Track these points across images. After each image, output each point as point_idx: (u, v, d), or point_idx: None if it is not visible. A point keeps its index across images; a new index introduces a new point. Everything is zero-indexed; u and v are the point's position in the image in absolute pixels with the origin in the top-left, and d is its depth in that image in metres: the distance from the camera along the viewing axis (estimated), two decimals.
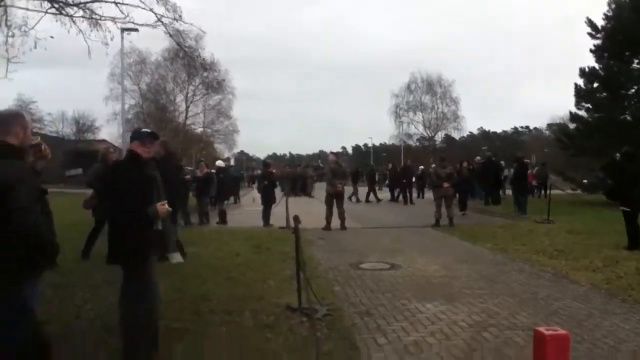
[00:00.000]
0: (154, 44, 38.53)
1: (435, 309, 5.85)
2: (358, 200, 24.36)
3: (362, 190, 25.54)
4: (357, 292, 6.65)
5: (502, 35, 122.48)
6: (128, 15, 12.56)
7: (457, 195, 17.57)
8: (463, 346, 4.68)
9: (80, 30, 12.70)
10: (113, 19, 12.70)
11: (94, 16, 12.63)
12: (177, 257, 7.92)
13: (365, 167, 27.14)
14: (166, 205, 4.21)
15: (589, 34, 22.80)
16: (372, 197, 24.95)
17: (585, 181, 22.90)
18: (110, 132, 47.43)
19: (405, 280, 7.30)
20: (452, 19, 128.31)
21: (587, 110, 23.01)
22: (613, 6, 22.10)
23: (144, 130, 4.47)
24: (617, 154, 10.34)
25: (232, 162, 43.28)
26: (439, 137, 63.86)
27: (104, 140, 41.40)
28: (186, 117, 46.41)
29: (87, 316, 5.48)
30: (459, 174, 17.93)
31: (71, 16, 12.55)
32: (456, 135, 65.74)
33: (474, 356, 4.45)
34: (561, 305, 5.95)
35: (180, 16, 12.80)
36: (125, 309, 4.14)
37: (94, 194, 8.51)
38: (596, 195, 19.73)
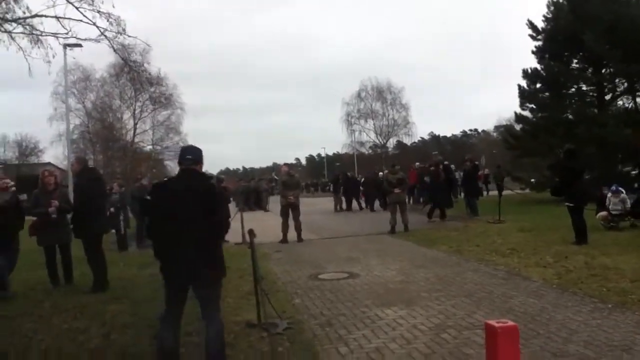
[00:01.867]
0: (99, 59, 37.81)
1: (394, 314, 5.89)
2: (342, 209, 24.11)
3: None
4: (317, 303, 6.63)
5: (449, 40, 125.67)
6: (70, 31, 12.23)
7: (433, 202, 17.10)
8: (424, 349, 4.74)
9: (21, 48, 12.29)
10: (55, 35, 12.34)
11: (34, 32, 12.25)
12: None
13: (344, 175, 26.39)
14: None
15: (530, 35, 23.54)
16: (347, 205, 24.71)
17: (533, 180, 23.60)
18: (54, 155, 46.30)
19: (363, 288, 7.33)
20: (399, 25, 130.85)
21: (532, 110, 23.67)
22: (552, 8, 22.91)
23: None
24: (561, 152, 10.75)
25: None
26: (391, 143, 64.70)
27: (48, 164, 40.12)
28: (134, 135, 45.54)
29: (39, 347, 5.27)
30: (436, 179, 16.98)
31: (10, 32, 12.14)
32: (407, 141, 66.80)
33: (434, 358, 4.50)
34: (516, 302, 6.10)
35: (124, 30, 12.55)
36: (214, 326, 4.22)
37: (35, 221, 8.22)
38: (544, 193, 20.34)
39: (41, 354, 5.08)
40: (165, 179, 5.56)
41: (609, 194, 11.75)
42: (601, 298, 6.04)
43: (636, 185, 10.82)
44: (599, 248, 9.09)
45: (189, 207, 4.10)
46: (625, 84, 22.17)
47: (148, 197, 4.85)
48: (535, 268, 7.94)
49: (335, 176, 28.02)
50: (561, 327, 5.09)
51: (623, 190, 11.72)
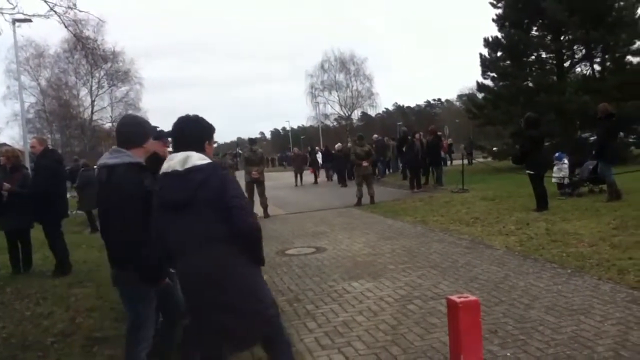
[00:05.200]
0: (52, 34, 36.66)
1: (361, 287, 5.95)
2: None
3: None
4: (285, 279, 6.64)
5: (411, 10, 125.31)
6: (17, 6, 11.66)
7: (409, 172, 17.17)
8: (390, 320, 4.80)
9: None
10: None
11: None
12: None
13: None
14: None
15: (491, 3, 23.73)
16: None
17: (495, 149, 23.98)
18: (10, 135, 44.68)
19: (331, 262, 7.37)
20: None
21: (493, 79, 23.96)
22: None
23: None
24: (522, 120, 10.89)
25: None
26: (356, 115, 64.66)
27: (4, 144, 38.89)
28: (92, 112, 44.43)
29: (1, 334, 5.15)
30: (411, 150, 16.76)
31: None
32: (372, 112, 66.87)
33: (401, 329, 4.56)
34: (479, 271, 6.22)
35: (74, 4, 12.00)
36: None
37: None
38: (506, 161, 20.69)
39: (4, 341, 4.95)
40: None
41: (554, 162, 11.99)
42: (561, 263, 6.21)
43: (594, 152, 11.04)
44: (559, 214, 9.33)
45: None
46: (584, 51, 22.57)
47: None
48: (498, 236, 8.10)
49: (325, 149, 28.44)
50: (523, 294, 5.22)
51: (563, 159, 11.96)
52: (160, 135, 3.86)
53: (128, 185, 3.14)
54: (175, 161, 2.84)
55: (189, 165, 2.79)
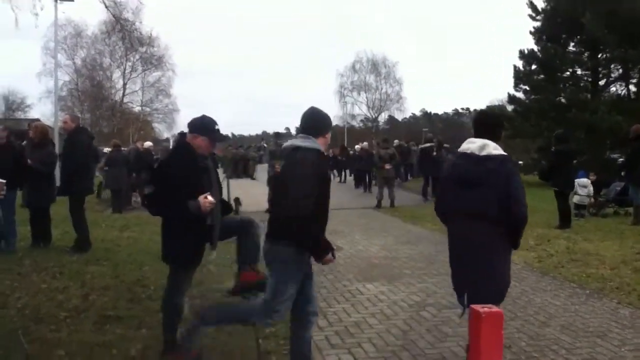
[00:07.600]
0: (91, 16, 37.30)
1: (376, 289, 5.92)
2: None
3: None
4: None
5: (444, 17, 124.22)
6: None
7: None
8: (402, 325, 4.77)
9: None
10: None
11: None
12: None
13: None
14: (210, 198, 3.68)
15: (530, 15, 23.33)
16: None
17: (520, 162, 23.64)
18: (42, 111, 45.67)
19: (347, 262, 7.34)
20: None
21: (525, 92, 23.59)
22: None
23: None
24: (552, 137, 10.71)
25: (171, 144, 42.53)
26: (382, 118, 64.42)
27: (37, 120, 39.64)
28: (123, 95, 45.07)
29: (16, 305, 5.22)
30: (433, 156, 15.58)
31: None
32: (399, 116, 66.55)
33: (412, 335, 4.52)
34: None
35: None
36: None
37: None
38: (531, 176, 20.38)
39: (18, 311, 5.02)
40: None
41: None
42: (580, 283, 6.10)
43: (622, 173, 10.82)
44: (582, 233, 9.16)
45: None
46: (620, 70, 22.13)
47: None
48: (517, 251, 7.93)
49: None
50: (539, 311, 5.14)
51: (582, 177, 11.56)
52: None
53: (312, 165, 3.31)
54: (475, 146, 3.54)
55: (485, 152, 3.49)
